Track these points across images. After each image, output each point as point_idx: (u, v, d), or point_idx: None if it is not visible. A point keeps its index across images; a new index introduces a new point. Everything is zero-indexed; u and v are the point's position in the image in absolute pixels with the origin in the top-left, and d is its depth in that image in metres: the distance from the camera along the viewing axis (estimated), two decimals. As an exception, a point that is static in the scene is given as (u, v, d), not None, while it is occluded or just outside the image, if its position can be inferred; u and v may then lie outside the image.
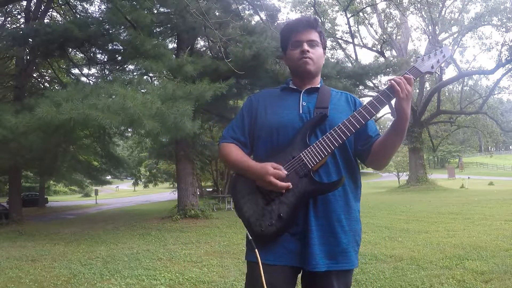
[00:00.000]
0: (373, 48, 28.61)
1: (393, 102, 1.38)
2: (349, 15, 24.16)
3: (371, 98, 1.41)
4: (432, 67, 1.41)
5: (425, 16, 25.41)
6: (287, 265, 1.40)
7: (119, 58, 11.82)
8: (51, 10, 15.05)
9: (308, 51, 1.48)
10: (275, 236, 1.38)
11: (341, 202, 1.43)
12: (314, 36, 1.50)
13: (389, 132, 1.42)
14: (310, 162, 1.38)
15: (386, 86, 1.38)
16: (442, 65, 1.47)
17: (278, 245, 1.40)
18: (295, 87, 1.57)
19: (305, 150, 1.39)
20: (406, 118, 1.35)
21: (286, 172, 1.37)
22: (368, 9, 26.80)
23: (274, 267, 1.38)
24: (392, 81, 1.34)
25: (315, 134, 1.45)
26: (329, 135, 1.38)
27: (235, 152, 1.53)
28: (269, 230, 1.38)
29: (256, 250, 1.36)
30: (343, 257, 1.40)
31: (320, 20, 1.53)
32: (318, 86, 1.56)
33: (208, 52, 12.65)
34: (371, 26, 28.90)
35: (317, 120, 1.45)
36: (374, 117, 1.48)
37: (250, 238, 1.41)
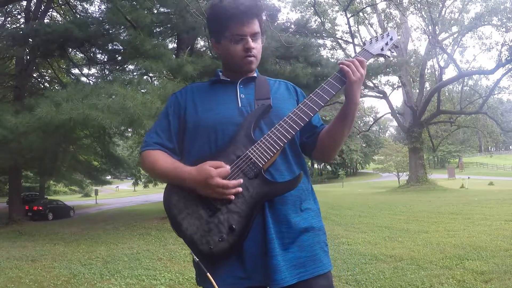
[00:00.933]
0: (373, 48, 28.55)
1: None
2: (349, 15, 24.15)
3: (322, 83, 1.28)
4: (382, 49, 1.33)
5: (425, 16, 25.41)
6: (251, 286, 1.18)
7: (119, 58, 11.84)
8: (51, 10, 15.08)
9: (253, 48, 1.28)
10: (227, 253, 1.14)
11: (298, 202, 1.25)
12: (257, 26, 1.28)
13: (337, 120, 1.28)
14: (260, 160, 1.17)
15: (337, 70, 1.26)
16: (391, 49, 1.39)
17: (234, 264, 1.17)
18: (228, 79, 1.36)
19: (252, 147, 1.19)
20: (356, 103, 1.24)
21: (228, 167, 1.16)
22: (368, 9, 26.80)
23: None
24: (343, 64, 1.22)
25: (259, 128, 1.26)
26: (278, 127, 1.20)
27: (163, 159, 1.27)
28: (220, 247, 1.13)
29: (209, 274, 1.12)
30: (312, 261, 1.21)
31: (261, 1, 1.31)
32: (255, 75, 1.37)
33: (208, 52, 12.64)
34: (371, 26, 28.94)
35: (261, 112, 1.25)
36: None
37: (197, 260, 1.14)
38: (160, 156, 1.29)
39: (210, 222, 1.16)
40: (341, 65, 1.23)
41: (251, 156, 1.18)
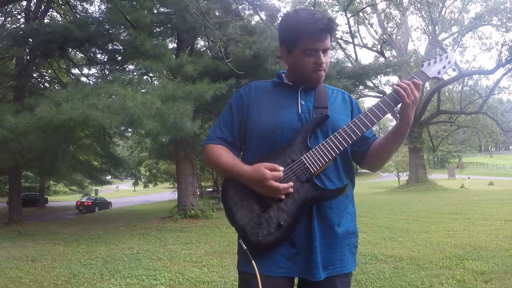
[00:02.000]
0: (373, 48, 28.64)
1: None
2: (349, 15, 24.16)
3: (377, 101, 1.35)
4: (439, 73, 1.37)
5: (425, 16, 25.41)
6: (287, 276, 1.30)
7: (119, 58, 11.84)
8: (51, 10, 15.06)
9: (324, 63, 1.34)
10: (274, 246, 1.27)
11: (342, 207, 1.35)
12: (329, 41, 1.33)
13: (390, 136, 1.36)
14: (313, 166, 1.27)
15: (393, 90, 1.32)
16: (447, 73, 1.45)
17: (276, 253, 1.28)
18: (291, 84, 1.43)
19: (307, 154, 1.28)
20: (409, 123, 1.30)
21: (282, 168, 1.26)
22: (368, 9, 26.81)
23: (273, 279, 1.27)
24: (398, 87, 1.28)
25: (315, 136, 1.34)
26: (333, 138, 1.29)
27: (224, 155, 1.37)
28: (267, 239, 1.25)
29: (254, 262, 1.23)
30: (340, 261, 1.33)
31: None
32: (317, 84, 1.44)
33: (208, 52, 12.65)
34: (371, 26, 28.94)
35: (319, 121, 1.34)
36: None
37: (245, 248, 1.27)
38: (222, 151, 1.39)
39: (261, 216, 1.28)
40: (397, 88, 1.29)
41: (305, 162, 1.28)
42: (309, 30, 1.27)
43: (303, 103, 1.38)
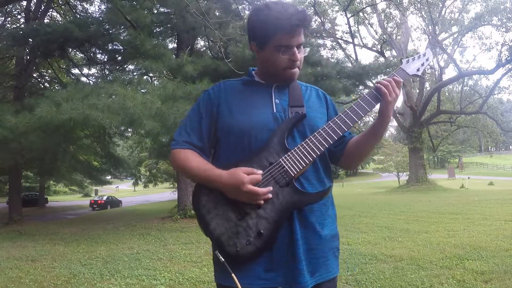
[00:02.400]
0: (373, 48, 28.63)
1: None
2: (349, 15, 24.17)
3: (357, 98, 1.31)
4: (418, 70, 1.35)
5: (425, 16, 25.41)
6: (270, 287, 1.22)
7: (119, 58, 11.84)
8: (51, 10, 15.07)
9: (298, 59, 1.28)
10: (254, 256, 1.17)
11: (323, 209, 1.29)
12: (303, 36, 1.25)
13: (367, 134, 1.33)
14: (292, 169, 1.19)
15: (373, 88, 1.29)
16: (426, 70, 1.45)
17: (256, 264, 1.20)
18: (263, 82, 1.34)
19: (286, 156, 1.21)
20: (388, 121, 1.29)
21: (261, 172, 1.19)
22: (368, 9, 26.81)
23: None
24: (380, 84, 1.25)
25: (292, 136, 1.26)
26: (313, 139, 1.22)
27: (194, 159, 1.27)
28: (246, 249, 1.16)
29: (233, 275, 1.15)
30: (325, 266, 1.27)
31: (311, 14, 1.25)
32: (291, 82, 1.37)
33: (208, 52, 12.65)
34: (371, 26, 28.94)
35: (296, 120, 1.26)
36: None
37: (223, 260, 1.17)
38: (190, 156, 1.28)
39: (239, 225, 1.18)
40: (378, 85, 1.25)
41: (284, 164, 1.20)
42: (283, 26, 1.19)
43: (278, 101, 1.30)
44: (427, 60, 1.38)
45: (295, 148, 1.22)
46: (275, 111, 1.28)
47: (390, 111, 1.26)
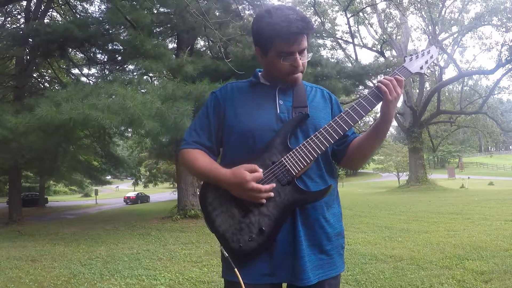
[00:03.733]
0: (373, 48, 28.63)
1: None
2: (349, 15, 24.18)
3: (359, 98, 1.35)
4: (421, 68, 1.33)
5: (425, 16, 25.42)
6: (273, 283, 1.25)
7: (119, 58, 11.83)
8: (51, 10, 15.06)
9: (301, 65, 1.29)
10: (256, 252, 1.22)
11: (326, 207, 1.31)
12: (305, 42, 1.27)
13: (369, 134, 1.33)
14: (294, 168, 1.22)
15: (375, 86, 1.29)
16: (430, 68, 1.42)
17: (259, 261, 1.24)
18: (268, 83, 1.37)
19: (287, 155, 1.23)
20: (390, 121, 1.28)
21: (261, 170, 1.22)
22: (368, 9, 26.83)
23: (258, 287, 1.23)
24: (380, 83, 1.25)
25: (295, 136, 1.29)
26: (314, 138, 1.24)
27: (201, 159, 1.31)
28: (249, 246, 1.21)
29: (236, 270, 1.19)
30: (329, 264, 1.29)
31: (311, 19, 1.24)
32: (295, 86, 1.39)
33: (208, 52, 12.64)
34: (371, 26, 28.95)
35: (298, 121, 1.29)
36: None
37: (226, 255, 1.22)
38: (198, 155, 1.33)
39: (242, 222, 1.23)
40: (379, 84, 1.25)
41: (286, 163, 1.23)
42: (283, 34, 1.21)
43: (281, 102, 1.33)
44: (431, 57, 1.36)
45: (297, 147, 1.24)
46: (278, 112, 1.31)
47: (392, 111, 1.26)
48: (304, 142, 1.25)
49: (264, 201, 1.21)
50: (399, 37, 27.86)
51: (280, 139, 1.26)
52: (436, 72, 27.33)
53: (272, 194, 1.21)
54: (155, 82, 11.56)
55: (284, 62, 1.26)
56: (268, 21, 1.25)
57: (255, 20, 1.34)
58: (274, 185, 1.21)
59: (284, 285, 1.32)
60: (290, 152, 1.24)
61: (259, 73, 1.41)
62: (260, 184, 1.20)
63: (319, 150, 1.23)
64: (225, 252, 1.23)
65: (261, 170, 1.21)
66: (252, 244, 1.21)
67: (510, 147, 79.82)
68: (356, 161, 1.41)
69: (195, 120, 1.42)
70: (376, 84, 1.28)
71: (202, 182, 1.34)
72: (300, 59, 1.28)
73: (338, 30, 27.99)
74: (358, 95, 24.37)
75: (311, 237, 1.26)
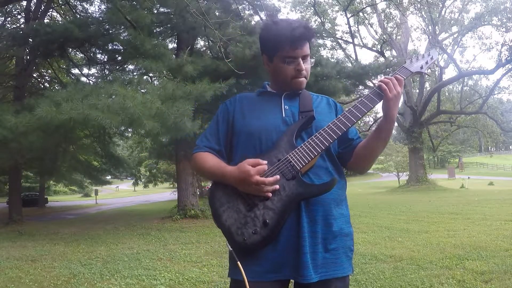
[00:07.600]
0: (373, 48, 28.62)
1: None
2: (349, 15, 24.17)
3: (361, 96, 1.39)
4: (422, 68, 1.38)
5: (425, 16, 25.41)
6: (279, 279, 1.27)
7: (119, 58, 11.83)
8: (51, 10, 15.05)
9: (304, 69, 1.37)
10: (260, 245, 1.24)
11: (332, 206, 1.33)
12: (308, 48, 1.37)
13: (373, 135, 1.37)
14: (298, 163, 1.27)
15: (376, 85, 1.34)
16: (430, 68, 1.46)
17: (263, 260, 1.26)
18: (274, 91, 1.47)
19: (292, 152, 1.28)
20: (393, 120, 1.31)
21: (265, 162, 1.26)
22: (368, 9, 26.80)
23: (263, 284, 1.25)
24: (381, 82, 1.30)
25: (301, 138, 1.35)
26: (318, 135, 1.29)
27: (210, 159, 1.40)
28: (253, 239, 1.23)
29: (239, 263, 1.21)
30: (334, 264, 1.30)
31: (312, 24, 1.31)
32: (299, 91, 1.46)
33: (208, 52, 12.64)
34: (371, 26, 28.93)
35: (304, 122, 1.35)
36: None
37: (231, 249, 1.25)
38: (208, 157, 1.41)
39: (247, 216, 1.26)
40: (379, 82, 1.31)
41: (291, 159, 1.28)
42: (286, 39, 1.32)
43: (287, 107, 1.40)
44: (431, 58, 1.41)
45: (302, 144, 1.30)
46: (284, 115, 1.39)
47: (393, 109, 1.29)
48: (309, 139, 1.30)
49: (270, 194, 1.24)
50: (399, 37, 27.85)
51: (287, 138, 1.32)
52: (436, 72, 27.32)
53: (277, 186, 1.25)
54: (155, 82, 11.57)
55: (288, 65, 1.36)
56: (274, 28, 1.37)
57: (262, 29, 1.46)
58: (278, 177, 1.25)
59: (291, 285, 1.34)
60: (295, 149, 1.29)
61: (267, 85, 1.52)
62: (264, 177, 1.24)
63: (323, 146, 1.28)
64: (229, 246, 1.25)
65: (265, 162, 1.26)
66: (256, 237, 1.23)
67: (510, 147, 79.82)
68: (362, 163, 1.45)
69: (206, 128, 1.51)
70: (377, 83, 1.33)
71: (211, 182, 1.39)
72: (304, 64, 1.36)
73: (338, 30, 28.01)
74: (358, 95, 24.41)
75: (316, 234, 1.28)
